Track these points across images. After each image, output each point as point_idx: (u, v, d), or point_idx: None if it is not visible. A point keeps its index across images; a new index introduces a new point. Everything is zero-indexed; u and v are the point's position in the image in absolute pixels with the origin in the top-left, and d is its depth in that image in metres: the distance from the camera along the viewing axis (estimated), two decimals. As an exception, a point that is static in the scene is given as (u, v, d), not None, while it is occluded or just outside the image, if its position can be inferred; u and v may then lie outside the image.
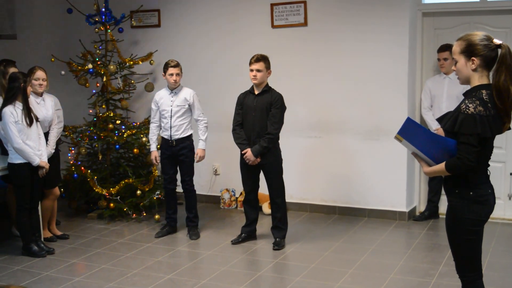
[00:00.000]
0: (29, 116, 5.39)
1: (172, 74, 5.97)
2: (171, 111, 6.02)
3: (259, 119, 5.60)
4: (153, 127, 6.21)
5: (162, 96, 6.12)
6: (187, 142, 6.09)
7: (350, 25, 6.52)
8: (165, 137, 6.09)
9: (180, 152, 6.07)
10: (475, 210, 3.14)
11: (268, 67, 5.59)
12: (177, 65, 5.99)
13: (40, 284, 4.94)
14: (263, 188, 5.91)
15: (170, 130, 6.04)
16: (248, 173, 5.78)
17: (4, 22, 7.33)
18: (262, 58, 5.57)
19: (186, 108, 6.03)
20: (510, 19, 6.22)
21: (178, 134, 6.03)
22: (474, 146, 3.00)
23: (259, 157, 5.59)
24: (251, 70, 5.57)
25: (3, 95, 5.58)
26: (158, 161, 6.21)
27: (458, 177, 3.13)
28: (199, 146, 6.08)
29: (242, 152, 5.65)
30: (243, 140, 5.66)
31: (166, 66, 6.01)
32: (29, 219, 5.58)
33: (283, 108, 5.64)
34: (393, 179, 6.54)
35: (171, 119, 6.02)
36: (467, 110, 3.01)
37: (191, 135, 6.13)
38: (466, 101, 3.05)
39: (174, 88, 6.05)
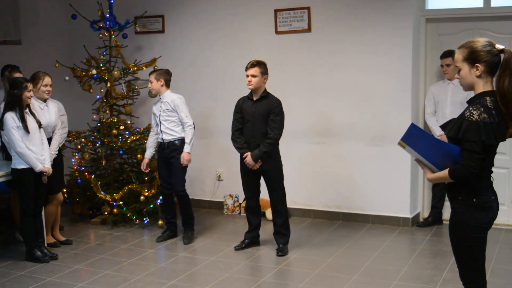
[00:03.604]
0: (25, 124, 5.36)
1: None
2: (160, 115, 6.09)
3: (258, 125, 5.59)
4: (151, 135, 6.35)
5: (154, 103, 6.29)
6: (177, 145, 6.10)
7: (354, 30, 6.53)
8: (159, 140, 6.17)
9: (170, 155, 6.11)
10: (479, 217, 3.12)
11: (263, 72, 5.58)
12: (151, 73, 6.18)
13: (43, 289, 4.96)
14: (267, 194, 5.90)
15: (161, 134, 6.11)
16: (249, 179, 5.78)
17: (8, 27, 7.35)
18: (257, 64, 5.57)
19: (172, 112, 6.07)
20: (514, 25, 6.23)
21: (168, 137, 6.07)
22: (478, 153, 2.99)
23: (259, 161, 5.59)
24: (247, 76, 5.58)
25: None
26: (145, 169, 6.35)
27: (461, 184, 3.12)
28: (184, 149, 6.06)
29: (243, 156, 5.66)
30: (242, 144, 5.67)
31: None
32: (33, 224, 5.58)
33: (282, 113, 5.63)
34: (396, 185, 6.53)
35: (160, 124, 6.10)
36: (471, 117, 3.00)
37: (182, 138, 6.12)
38: (471, 108, 3.04)
39: (157, 95, 6.20)
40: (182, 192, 6.18)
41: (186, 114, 6.10)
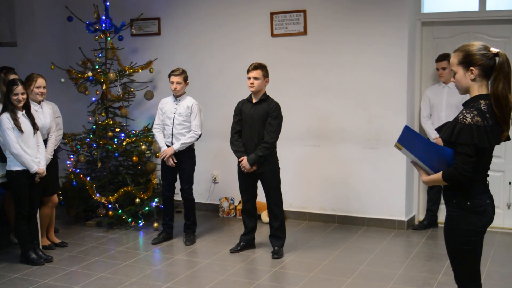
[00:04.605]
0: (18, 125, 5.35)
1: (173, 82, 6.02)
2: (174, 118, 6.05)
3: (256, 128, 5.60)
4: (158, 131, 6.18)
5: (166, 102, 6.19)
6: (188, 150, 6.10)
7: (350, 33, 6.54)
8: (167, 143, 6.10)
9: (180, 160, 6.08)
10: (473, 220, 3.13)
11: (265, 75, 5.60)
12: (178, 74, 6.03)
13: (38, 292, 4.94)
14: (262, 197, 5.91)
15: (172, 137, 6.06)
16: (246, 182, 5.78)
17: (4, 29, 7.34)
18: (260, 66, 5.58)
19: (188, 116, 6.05)
20: (509, 28, 6.24)
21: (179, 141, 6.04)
22: (470, 157, 3.00)
23: (255, 165, 5.59)
24: (249, 78, 5.58)
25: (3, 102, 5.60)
26: (175, 160, 6.08)
27: (456, 187, 3.14)
28: (174, 145, 6.02)
29: (239, 160, 5.66)
30: (239, 148, 5.67)
31: (169, 75, 6.09)
32: (27, 226, 5.57)
33: (280, 117, 5.63)
34: (392, 188, 6.54)
35: (173, 127, 6.04)
36: (464, 120, 3.02)
37: (192, 143, 6.14)
38: (464, 112, 3.06)
39: (177, 96, 6.08)
40: (191, 196, 6.22)
41: (198, 124, 6.06)
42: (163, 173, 6.27)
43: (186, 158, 6.12)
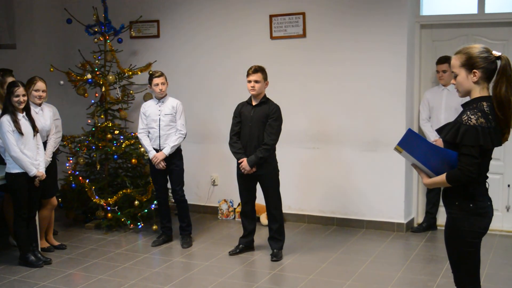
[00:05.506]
0: (18, 127, 5.36)
1: (157, 84, 6.04)
2: (159, 120, 6.06)
3: (256, 130, 5.60)
4: (143, 136, 6.17)
5: (149, 105, 6.20)
6: (176, 151, 6.11)
7: (349, 37, 6.54)
8: (154, 147, 6.11)
9: (169, 162, 6.09)
10: (475, 222, 3.13)
11: (265, 78, 5.61)
12: (161, 75, 6.08)
13: (36, 294, 4.94)
14: (261, 199, 5.90)
15: (159, 139, 6.07)
16: (245, 184, 5.78)
17: (3, 31, 7.34)
18: (260, 69, 5.59)
19: (174, 116, 6.07)
20: (508, 31, 6.25)
21: (167, 143, 6.05)
22: (475, 158, 3.00)
23: (254, 167, 5.59)
24: (249, 81, 5.58)
25: (1, 105, 5.59)
26: (164, 164, 6.08)
27: (458, 189, 3.13)
28: (164, 150, 6.03)
29: (238, 162, 5.66)
30: (239, 150, 5.67)
31: (151, 77, 6.10)
32: (26, 229, 5.57)
33: (280, 119, 5.64)
34: (391, 191, 6.54)
35: (159, 128, 6.05)
36: (469, 122, 3.01)
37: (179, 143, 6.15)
38: (468, 113, 3.05)
39: (161, 98, 6.11)
40: (183, 197, 6.22)
41: (183, 123, 6.11)
42: (153, 177, 6.28)
43: (175, 159, 6.13)
